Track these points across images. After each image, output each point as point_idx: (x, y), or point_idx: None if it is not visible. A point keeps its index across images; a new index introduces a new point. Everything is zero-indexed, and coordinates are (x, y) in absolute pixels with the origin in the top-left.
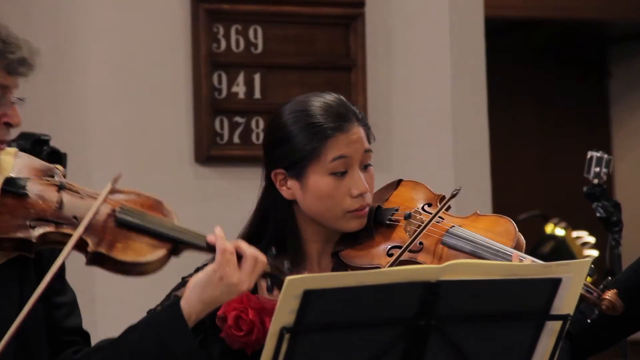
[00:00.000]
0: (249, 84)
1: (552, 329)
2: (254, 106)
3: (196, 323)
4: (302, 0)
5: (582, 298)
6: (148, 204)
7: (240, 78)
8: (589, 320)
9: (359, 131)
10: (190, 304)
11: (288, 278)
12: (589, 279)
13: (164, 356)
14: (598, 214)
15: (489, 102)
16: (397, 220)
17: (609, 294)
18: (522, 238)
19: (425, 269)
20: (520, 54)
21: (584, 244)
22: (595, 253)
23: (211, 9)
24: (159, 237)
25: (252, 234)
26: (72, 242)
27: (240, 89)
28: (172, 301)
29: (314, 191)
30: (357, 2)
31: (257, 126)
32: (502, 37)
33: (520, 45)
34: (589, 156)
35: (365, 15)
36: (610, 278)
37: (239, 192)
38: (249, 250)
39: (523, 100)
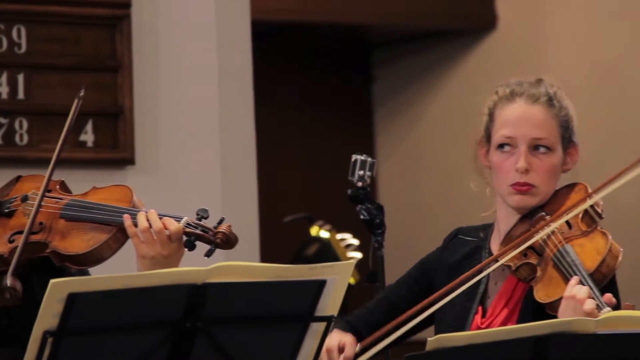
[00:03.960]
0: (13, 84)
1: (316, 330)
2: (18, 107)
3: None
4: (68, 0)
5: (198, 237)
6: None
7: (4, 78)
8: (206, 257)
9: None
10: None
11: (52, 281)
12: (352, 280)
13: None
14: (362, 217)
15: (255, 105)
16: (17, 207)
17: (223, 227)
18: (139, 202)
19: (192, 272)
20: (286, 57)
21: (348, 246)
22: (358, 255)
23: None
24: None
25: None
26: None
27: (3, 89)
28: None
29: None
30: (123, 3)
31: (21, 127)
32: (269, 41)
33: (286, 48)
34: (353, 159)
35: (131, 16)
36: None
37: None
38: None
39: (289, 103)
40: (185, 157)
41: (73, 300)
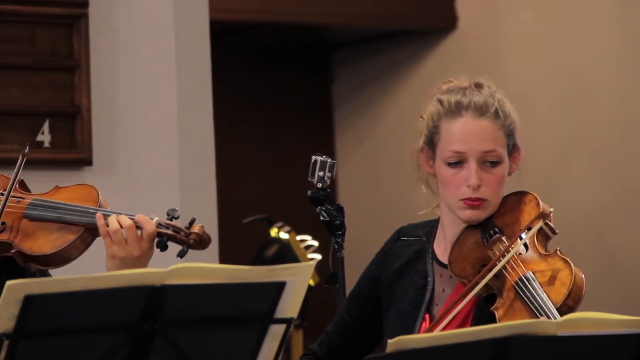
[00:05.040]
0: None
1: (276, 332)
2: None
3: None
4: None
5: (170, 238)
6: None
7: None
8: (179, 258)
9: None
10: None
11: (8, 283)
12: (311, 281)
13: None
14: (322, 218)
15: (214, 105)
16: None
17: (196, 228)
18: (104, 202)
19: (151, 273)
20: (246, 57)
21: (308, 248)
22: (318, 256)
23: None
24: None
25: None
26: None
27: None
28: None
29: None
30: (81, 2)
31: None
32: (229, 40)
33: (246, 48)
34: (312, 160)
35: (89, 15)
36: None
37: None
38: None
39: (249, 103)
40: (144, 157)
41: (30, 302)
